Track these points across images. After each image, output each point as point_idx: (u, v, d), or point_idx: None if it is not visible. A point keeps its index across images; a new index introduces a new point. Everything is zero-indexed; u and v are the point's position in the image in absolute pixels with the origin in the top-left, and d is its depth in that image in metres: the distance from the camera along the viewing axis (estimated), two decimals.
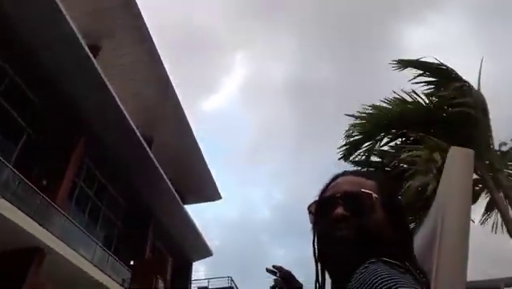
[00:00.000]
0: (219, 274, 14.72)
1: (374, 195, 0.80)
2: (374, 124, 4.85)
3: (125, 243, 14.69)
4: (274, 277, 1.08)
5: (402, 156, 4.35)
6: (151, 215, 15.88)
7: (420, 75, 4.64)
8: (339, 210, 0.80)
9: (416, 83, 4.69)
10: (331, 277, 0.88)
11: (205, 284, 14.71)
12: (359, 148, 4.91)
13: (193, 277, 19.40)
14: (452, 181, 0.82)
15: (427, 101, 4.72)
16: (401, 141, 4.79)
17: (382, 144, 4.89)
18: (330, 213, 0.82)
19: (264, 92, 51.49)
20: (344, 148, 4.95)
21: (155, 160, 14.29)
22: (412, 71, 4.71)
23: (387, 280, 0.59)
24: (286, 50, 46.68)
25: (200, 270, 38.31)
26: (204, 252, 19.76)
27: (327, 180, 0.96)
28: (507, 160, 4.57)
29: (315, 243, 0.88)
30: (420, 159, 4.07)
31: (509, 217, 3.77)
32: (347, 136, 4.95)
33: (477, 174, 4.28)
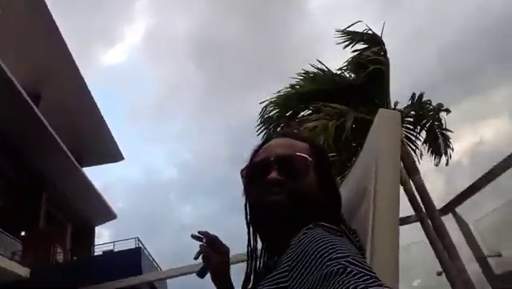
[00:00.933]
0: (126, 237, 14.26)
1: (309, 159, 0.79)
2: (286, 101, 5.11)
3: (14, 214, 13.13)
4: (200, 243, 1.05)
5: (302, 127, 4.59)
6: (43, 181, 14.32)
7: (354, 42, 4.87)
8: (274, 174, 0.78)
9: (357, 51, 4.91)
10: (262, 240, 0.87)
11: (110, 247, 14.14)
12: (274, 124, 5.12)
13: (97, 242, 18.57)
14: (382, 141, 0.84)
15: (333, 71, 5.02)
16: (308, 112, 5.09)
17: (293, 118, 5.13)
18: (264, 178, 0.79)
19: (169, 46, 48.56)
20: (260, 126, 5.19)
21: (43, 119, 12.63)
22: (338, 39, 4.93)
23: (331, 250, 0.57)
24: (192, 4, 44.10)
25: (104, 234, 36.61)
26: (107, 215, 18.81)
27: (259, 142, 0.92)
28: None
29: (247, 207, 0.86)
30: (315, 131, 4.31)
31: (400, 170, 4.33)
32: (263, 114, 5.17)
33: None
